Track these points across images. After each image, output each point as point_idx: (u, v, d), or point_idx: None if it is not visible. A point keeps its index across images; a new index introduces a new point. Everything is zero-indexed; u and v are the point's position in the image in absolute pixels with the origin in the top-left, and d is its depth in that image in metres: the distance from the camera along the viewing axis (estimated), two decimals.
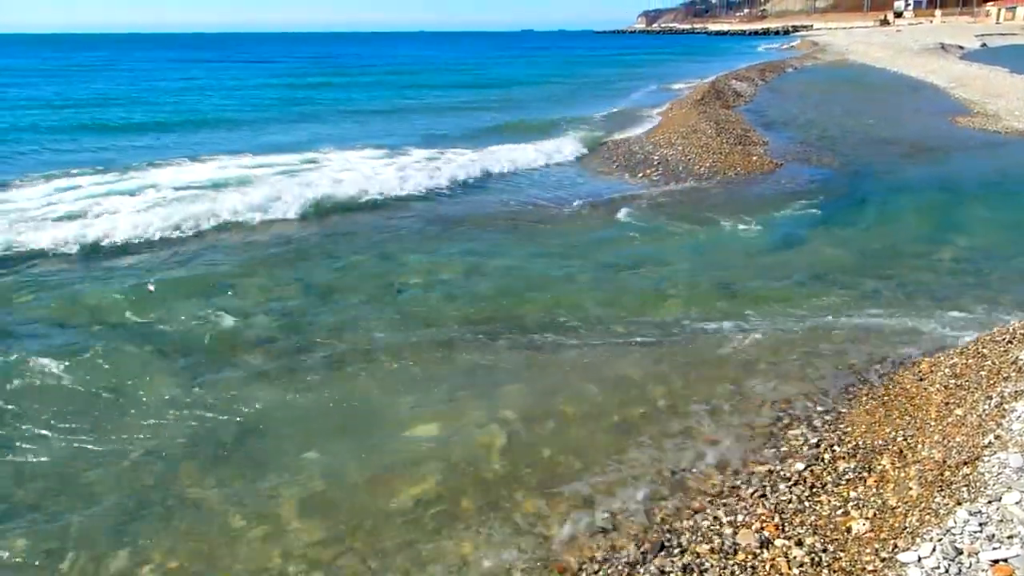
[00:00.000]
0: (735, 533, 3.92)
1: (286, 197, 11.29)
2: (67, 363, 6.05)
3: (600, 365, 5.96)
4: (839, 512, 4.06)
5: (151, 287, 7.63)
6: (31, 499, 4.43)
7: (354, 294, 7.58)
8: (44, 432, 5.09)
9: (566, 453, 4.73)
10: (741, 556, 3.76)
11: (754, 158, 15.01)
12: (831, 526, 3.95)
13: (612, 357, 6.11)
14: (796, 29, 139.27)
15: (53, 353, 6.18)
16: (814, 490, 4.27)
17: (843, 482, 4.33)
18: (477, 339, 6.52)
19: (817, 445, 4.71)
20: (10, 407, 5.40)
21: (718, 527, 3.99)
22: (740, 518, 4.04)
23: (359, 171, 13.73)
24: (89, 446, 4.94)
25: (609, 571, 3.73)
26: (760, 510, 4.10)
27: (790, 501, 4.17)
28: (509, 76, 42.37)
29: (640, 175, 13.85)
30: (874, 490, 4.23)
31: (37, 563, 3.95)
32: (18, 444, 4.96)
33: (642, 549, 3.82)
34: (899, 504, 4.05)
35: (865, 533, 3.85)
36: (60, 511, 4.33)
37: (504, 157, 15.24)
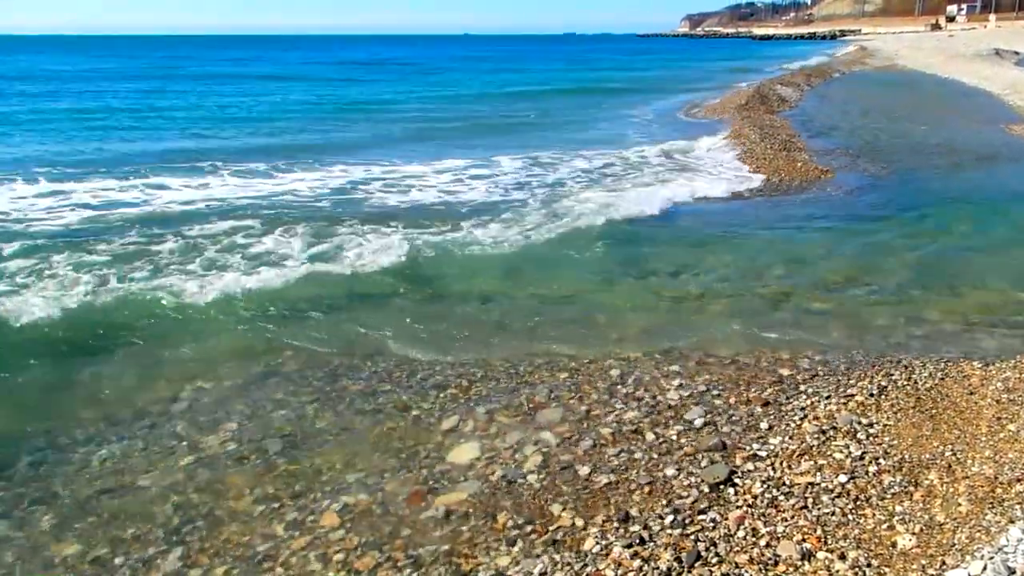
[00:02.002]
0: (775, 544, 3.85)
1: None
2: (124, 370, 6.28)
3: (636, 383, 5.92)
4: (884, 526, 3.97)
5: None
6: (84, 504, 4.59)
7: (400, 311, 7.62)
8: (96, 438, 5.29)
9: (602, 471, 4.72)
10: (782, 567, 3.69)
11: (799, 164, 14.77)
12: (876, 540, 3.87)
13: (648, 374, 6.07)
14: (843, 34, 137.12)
15: (106, 362, 6.42)
16: (858, 503, 4.18)
17: (888, 496, 4.23)
18: (514, 354, 6.55)
19: (861, 457, 4.61)
20: (64, 414, 5.61)
21: (757, 538, 3.93)
22: (780, 529, 3.97)
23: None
24: (140, 453, 5.11)
25: None
26: (802, 522, 4.02)
27: (833, 513, 4.09)
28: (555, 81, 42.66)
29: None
30: (921, 505, 4.13)
31: (88, 566, 4.09)
32: (71, 450, 5.15)
33: (678, 559, 3.78)
34: (947, 520, 3.95)
35: (911, 548, 3.76)
36: (112, 516, 4.47)
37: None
